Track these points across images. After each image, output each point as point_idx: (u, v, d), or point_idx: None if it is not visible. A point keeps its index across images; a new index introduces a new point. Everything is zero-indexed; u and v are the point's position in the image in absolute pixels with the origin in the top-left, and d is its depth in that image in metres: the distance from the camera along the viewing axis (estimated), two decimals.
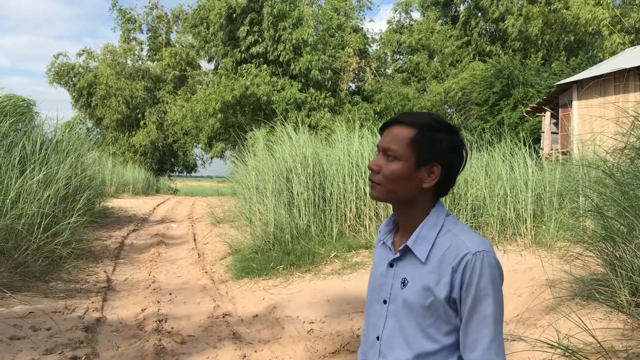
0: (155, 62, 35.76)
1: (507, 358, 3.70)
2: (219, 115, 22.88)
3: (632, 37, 22.70)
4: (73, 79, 33.31)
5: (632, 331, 3.86)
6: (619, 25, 22.77)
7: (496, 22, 27.69)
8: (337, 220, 8.46)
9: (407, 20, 32.62)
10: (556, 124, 17.42)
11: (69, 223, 7.90)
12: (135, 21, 36.05)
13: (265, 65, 24.19)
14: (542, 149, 16.67)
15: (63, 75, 32.99)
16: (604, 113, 11.53)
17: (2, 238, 6.46)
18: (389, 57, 31.78)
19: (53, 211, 7.79)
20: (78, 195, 9.55)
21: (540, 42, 25.96)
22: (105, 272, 7.84)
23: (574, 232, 6.06)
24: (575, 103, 15.47)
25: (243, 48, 24.25)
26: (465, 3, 30.12)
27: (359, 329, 4.94)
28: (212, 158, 31.03)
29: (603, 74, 13.86)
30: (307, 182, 8.61)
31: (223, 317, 5.72)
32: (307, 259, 7.59)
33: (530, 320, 4.53)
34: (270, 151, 9.54)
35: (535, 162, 8.13)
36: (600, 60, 21.11)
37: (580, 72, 17.68)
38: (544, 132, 17.61)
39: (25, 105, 11.31)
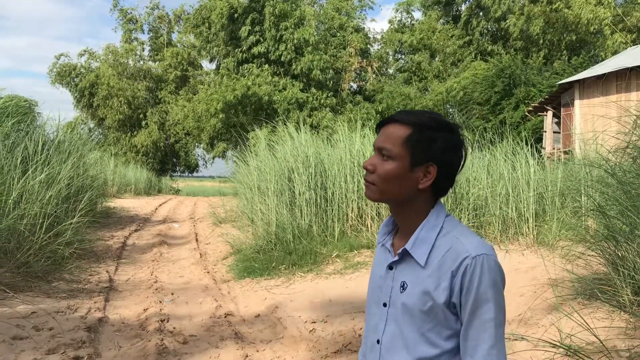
0: (157, 62, 35.80)
1: (509, 358, 3.69)
2: (221, 115, 22.90)
3: (634, 36, 22.64)
4: (75, 79, 33.34)
5: (635, 330, 3.85)
6: (621, 24, 22.73)
7: (498, 22, 27.67)
8: (339, 220, 8.46)
9: (409, 20, 32.63)
10: (558, 124, 17.39)
11: (71, 223, 7.90)
12: (137, 21, 36.09)
13: (266, 65, 24.21)
14: (544, 148, 16.64)
15: (65, 75, 33.03)
16: (606, 112, 11.52)
17: (4, 238, 6.46)
18: (391, 57, 31.79)
19: (55, 211, 7.80)
20: (80, 196, 9.56)
21: (541, 41, 25.92)
22: (107, 272, 7.85)
23: (576, 232, 6.04)
24: (577, 102, 15.44)
25: (245, 48, 24.27)
26: (467, 2, 30.13)
27: (360, 328, 4.94)
28: (213, 158, 31.11)
29: (605, 73, 13.83)
30: (308, 181, 8.61)
31: (225, 317, 5.72)
32: (309, 259, 7.59)
33: (532, 319, 4.53)
34: (272, 151, 9.54)
35: (537, 162, 8.12)
36: (602, 60, 21.06)
37: (582, 71, 17.65)
38: (545, 132, 17.58)
39: (27, 105, 11.34)
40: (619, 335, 3.80)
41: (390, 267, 1.54)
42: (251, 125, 16.53)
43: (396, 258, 1.52)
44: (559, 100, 16.98)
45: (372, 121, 20.31)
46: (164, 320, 5.48)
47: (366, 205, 8.38)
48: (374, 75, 26.89)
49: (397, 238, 1.58)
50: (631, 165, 4.94)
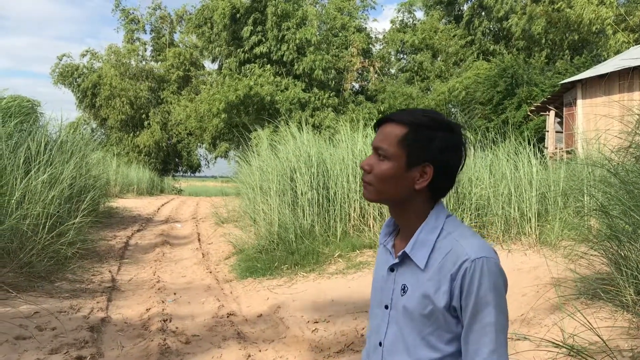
0: (159, 63, 35.83)
1: (512, 357, 3.69)
2: (223, 116, 22.91)
3: (636, 35, 22.59)
4: (77, 79, 33.36)
5: (638, 330, 3.85)
6: (624, 23, 22.69)
7: (500, 21, 27.64)
8: (341, 219, 8.46)
9: (411, 20, 32.60)
10: (560, 123, 17.37)
11: (73, 223, 7.92)
12: (139, 22, 36.12)
13: (269, 65, 24.20)
14: (547, 148, 16.62)
15: (67, 76, 33.05)
16: (608, 112, 11.50)
17: (7, 238, 6.48)
18: (393, 57, 31.76)
19: (58, 211, 7.82)
20: (83, 196, 9.58)
21: (544, 41, 25.90)
22: (110, 272, 7.86)
23: (579, 231, 6.04)
24: (579, 102, 15.42)
25: (247, 48, 24.27)
26: (469, 2, 30.10)
27: (363, 328, 4.94)
28: (216, 158, 31.15)
29: (608, 73, 13.81)
30: (311, 181, 8.61)
31: (227, 316, 5.73)
32: (311, 259, 7.59)
33: (534, 319, 4.52)
34: (274, 151, 9.55)
35: (540, 161, 8.11)
36: (605, 59, 21.03)
37: (584, 70, 17.62)
38: (548, 131, 17.56)
39: (30, 106, 11.37)
40: (621, 335, 3.79)
41: (391, 269, 1.53)
42: (253, 125, 16.53)
43: (396, 260, 1.51)
44: (561, 99, 16.95)
45: (374, 121, 20.30)
46: (167, 320, 5.49)
47: (368, 205, 8.38)
48: (376, 75, 26.87)
49: (398, 239, 1.56)
50: (634, 165, 4.93)
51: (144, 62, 35.77)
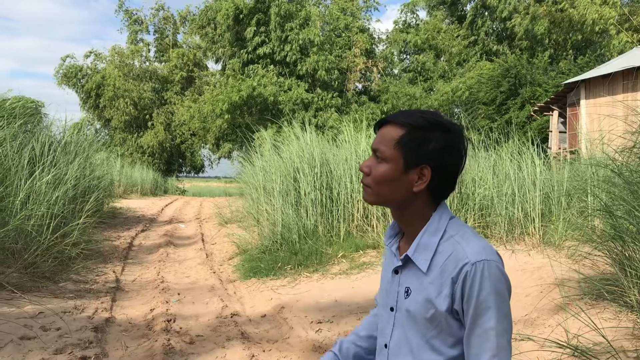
0: (163, 64, 35.90)
1: (516, 358, 3.69)
2: (226, 116, 22.94)
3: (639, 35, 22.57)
4: (81, 80, 33.46)
5: None
6: (627, 23, 22.64)
7: (503, 22, 27.62)
8: (345, 220, 8.46)
9: (414, 20, 32.60)
10: (564, 123, 17.34)
11: (77, 224, 7.94)
12: (142, 22, 36.20)
13: (272, 66, 24.23)
14: (550, 148, 16.60)
15: (71, 77, 33.15)
16: (612, 112, 11.48)
17: (12, 239, 6.50)
18: (396, 57, 31.76)
19: (62, 212, 7.84)
20: (87, 196, 9.60)
21: (547, 41, 25.86)
22: (114, 272, 7.88)
23: (583, 232, 6.03)
24: (583, 102, 15.40)
25: (250, 49, 24.30)
26: (472, 2, 30.07)
27: None
28: (219, 158, 31.14)
29: (611, 73, 13.80)
30: (314, 182, 8.62)
31: (231, 317, 5.73)
32: (315, 259, 7.59)
33: (538, 319, 4.52)
34: (278, 151, 9.56)
35: (543, 162, 8.10)
36: (608, 59, 20.99)
37: (588, 70, 17.59)
38: (551, 131, 17.53)
39: (34, 106, 11.41)
40: (626, 336, 3.79)
41: (395, 271, 1.53)
42: (257, 126, 16.56)
43: (400, 263, 1.50)
44: (564, 99, 16.93)
45: (376, 122, 20.30)
46: (171, 320, 5.50)
47: (371, 205, 8.37)
48: (379, 76, 26.86)
49: (402, 241, 1.55)
50: (638, 165, 4.92)
51: (147, 63, 35.87)
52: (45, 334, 4.83)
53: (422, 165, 1.42)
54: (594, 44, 25.70)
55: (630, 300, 4.15)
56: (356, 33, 26.21)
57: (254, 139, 13.81)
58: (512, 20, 26.01)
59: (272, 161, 9.39)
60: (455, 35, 28.90)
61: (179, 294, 6.81)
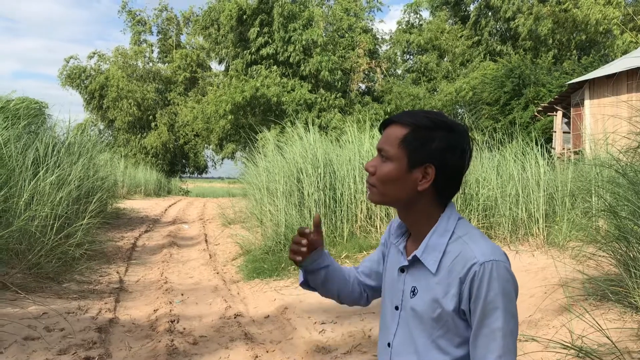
0: (166, 64, 35.98)
1: (520, 359, 3.68)
2: (230, 117, 22.97)
3: None
4: (85, 81, 33.55)
5: None
6: (631, 23, 22.58)
7: (507, 22, 27.58)
8: (348, 220, 8.46)
9: (417, 21, 32.59)
10: (568, 124, 17.29)
11: (81, 224, 7.95)
12: (145, 23, 36.28)
13: (275, 67, 24.26)
14: (554, 148, 16.55)
15: (75, 78, 33.24)
16: (616, 112, 11.45)
17: (16, 239, 6.51)
18: (399, 58, 31.76)
19: (66, 213, 7.85)
20: (90, 197, 9.62)
21: (551, 41, 25.81)
22: (117, 273, 7.89)
23: (587, 232, 6.01)
24: (587, 102, 15.35)
25: (253, 49, 24.34)
26: (475, 2, 30.04)
27: (370, 329, 4.94)
28: (222, 159, 31.19)
29: (615, 73, 13.75)
30: (317, 182, 8.61)
31: (235, 317, 5.74)
32: None
33: (542, 320, 4.51)
34: (281, 152, 9.55)
35: (547, 162, 8.08)
36: (612, 59, 20.93)
37: (592, 71, 17.53)
38: (555, 132, 17.49)
39: (38, 107, 11.44)
40: (630, 337, 3.77)
41: (401, 270, 1.52)
42: (260, 126, 16.57)
43: (407, 262, 1.50)
44: (568, 100, 16.88)
45: (381, 122, 20.29)
46: (174, 320, 5.50)
47: (375, 206, 8.37)
48: (382, 76, 26.86)
49: (410, 241, 1.55)
50: None
51: (150, 64, 35.96)
52: (49, 335, 4.83)
53: (426, 164, 1.43)
54: (597, 44, 25.64)
55: (634, 301, 4.13)
56: (359, 33, 26.22)
57: (257, 140, 13.81)
58: (516, 21, 25.96)
59: (276, 162, 9.38)
60: (459, 36, 28.88)
61: (182, 294, 6.81)
